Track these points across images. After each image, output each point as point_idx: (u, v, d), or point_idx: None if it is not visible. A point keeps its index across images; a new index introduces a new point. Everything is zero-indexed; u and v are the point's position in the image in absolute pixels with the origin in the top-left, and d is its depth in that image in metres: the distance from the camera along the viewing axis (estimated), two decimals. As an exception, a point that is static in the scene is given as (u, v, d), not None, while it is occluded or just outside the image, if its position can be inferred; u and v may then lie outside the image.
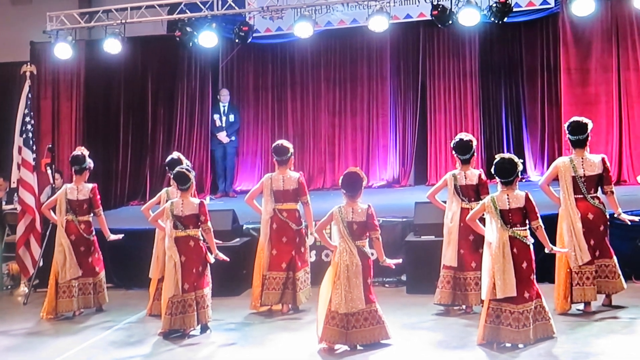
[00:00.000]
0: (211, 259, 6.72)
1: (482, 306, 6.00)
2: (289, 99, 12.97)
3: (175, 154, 7.76)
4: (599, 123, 10.29)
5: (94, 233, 7.86)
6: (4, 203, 10.35)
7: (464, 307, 6.97)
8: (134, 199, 12.17)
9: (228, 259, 6.81)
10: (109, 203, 10.93)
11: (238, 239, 8.61)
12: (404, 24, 11.78)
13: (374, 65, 12.59)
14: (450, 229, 6.95)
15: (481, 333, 5.88)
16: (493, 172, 5.96)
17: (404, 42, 12.51)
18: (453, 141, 7.14)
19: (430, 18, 9.86)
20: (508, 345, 5.77)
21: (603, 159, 6.68)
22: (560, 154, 9.81)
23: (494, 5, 9.50)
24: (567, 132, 6.77)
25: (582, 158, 6.64)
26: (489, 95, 12.20)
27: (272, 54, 12.94)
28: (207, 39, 10.31)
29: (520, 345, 5.74)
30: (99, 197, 7.85)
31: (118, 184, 12.29)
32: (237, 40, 10.59)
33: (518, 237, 5.82)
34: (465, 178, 6.96)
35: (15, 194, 9.50)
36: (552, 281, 6.79)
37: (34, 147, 9.22)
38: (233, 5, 10.51)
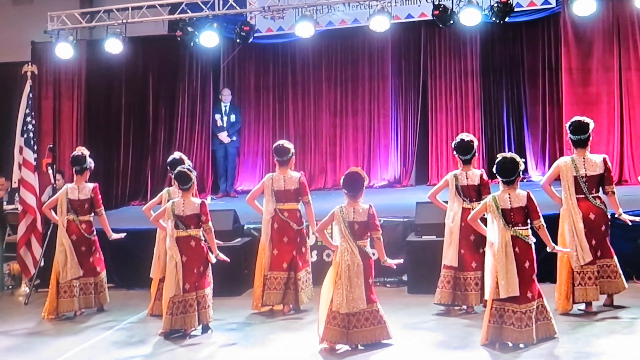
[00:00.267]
0: (212, 259, 6.72)
1: (485, 306, 5.99)
2: (290, 98, 12.97)
3: (176, 154, 7.75)
4: (600, 123, 10.32)
5: (95, 233, 7.85)
6: (5, 203, 10.36)
7: (464, 307, 6.97)
8: (135, 199, 12.16)
9: (228, 260, 6.81)
10: (110, 203, 10.92)
11: (239, 239, 8.61)
12: (405, 24, 11.78)
13: (375, 65, 12.59)
14: (451, 229, 6.95)
15: (485, 333, 5.87)
16: (495, 172, 5.96)
17: (405, 42, 12.51)
18: (454, 142, 7.15)
19: (432, 18, 9.84)
20: (510, 345, 5.76)
21: (604, 159, 6.68)
22: (561, 154, 9.83)
23: (495, 5, 9.49)
24: (568, 132, 6.76)
25: (584, 158, 6.64)
26: (490, 95, 12.19)
27: (273, 54, 12.93)
28: (208, 39, 10.30)
29: (522, 345, 5.73)
30: (100, 196, 7.85)
31: (119, 184, 12.28)
32: (238, 40, 10.60)
33: (520, 236, 5.81)
34: (467, 178, 6.96)
35: (17, 194, 9.51)
36: (553, 281, 6.78)
37: (35, 147, 9.21)
38: (234, 5, 10.49)
